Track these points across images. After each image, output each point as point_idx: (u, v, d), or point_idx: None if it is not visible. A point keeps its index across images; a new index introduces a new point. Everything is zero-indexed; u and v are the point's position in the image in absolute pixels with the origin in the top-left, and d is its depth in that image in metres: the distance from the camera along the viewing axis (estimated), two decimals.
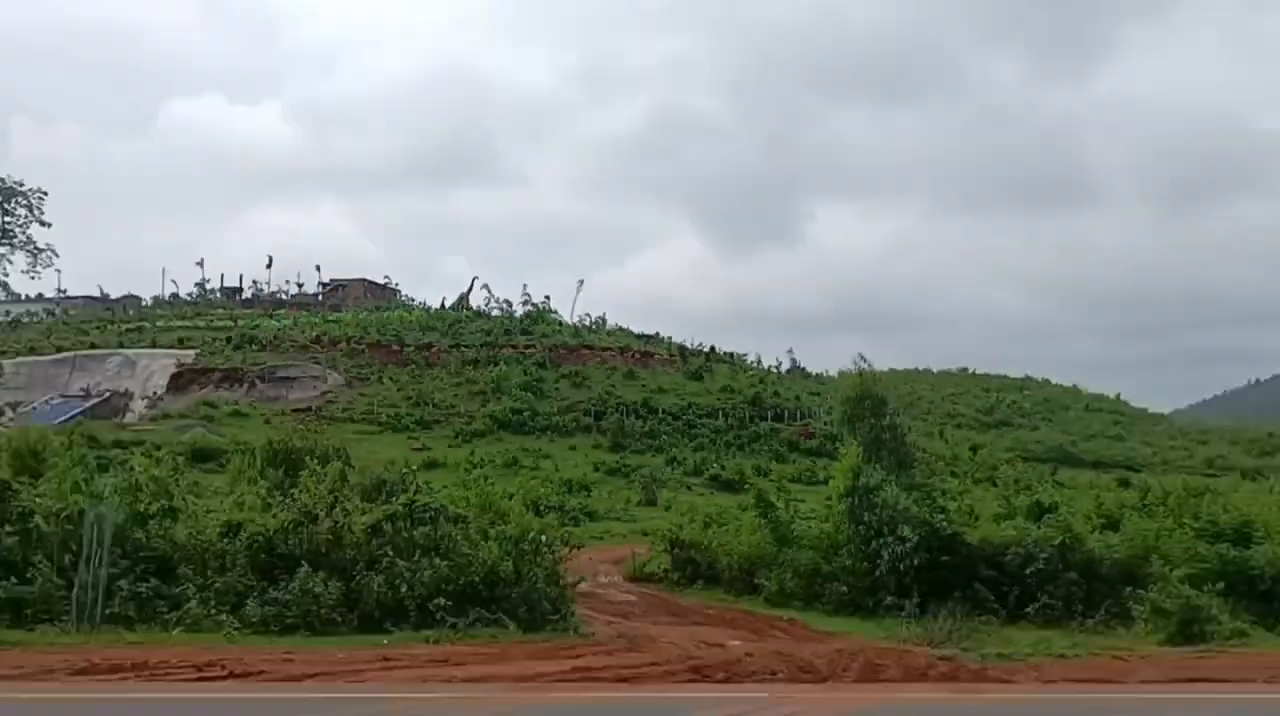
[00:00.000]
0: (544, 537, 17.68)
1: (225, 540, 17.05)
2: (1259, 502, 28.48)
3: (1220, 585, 19.15)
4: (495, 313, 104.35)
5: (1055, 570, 20.40)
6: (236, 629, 15.30)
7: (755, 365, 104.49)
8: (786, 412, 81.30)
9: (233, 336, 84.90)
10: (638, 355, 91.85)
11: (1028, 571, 20.47)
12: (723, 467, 62.71)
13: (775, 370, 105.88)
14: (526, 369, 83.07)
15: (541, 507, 32.40)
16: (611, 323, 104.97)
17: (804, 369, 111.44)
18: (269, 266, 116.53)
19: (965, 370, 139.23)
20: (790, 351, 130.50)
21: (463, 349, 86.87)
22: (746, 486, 45.50)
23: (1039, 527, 22.04)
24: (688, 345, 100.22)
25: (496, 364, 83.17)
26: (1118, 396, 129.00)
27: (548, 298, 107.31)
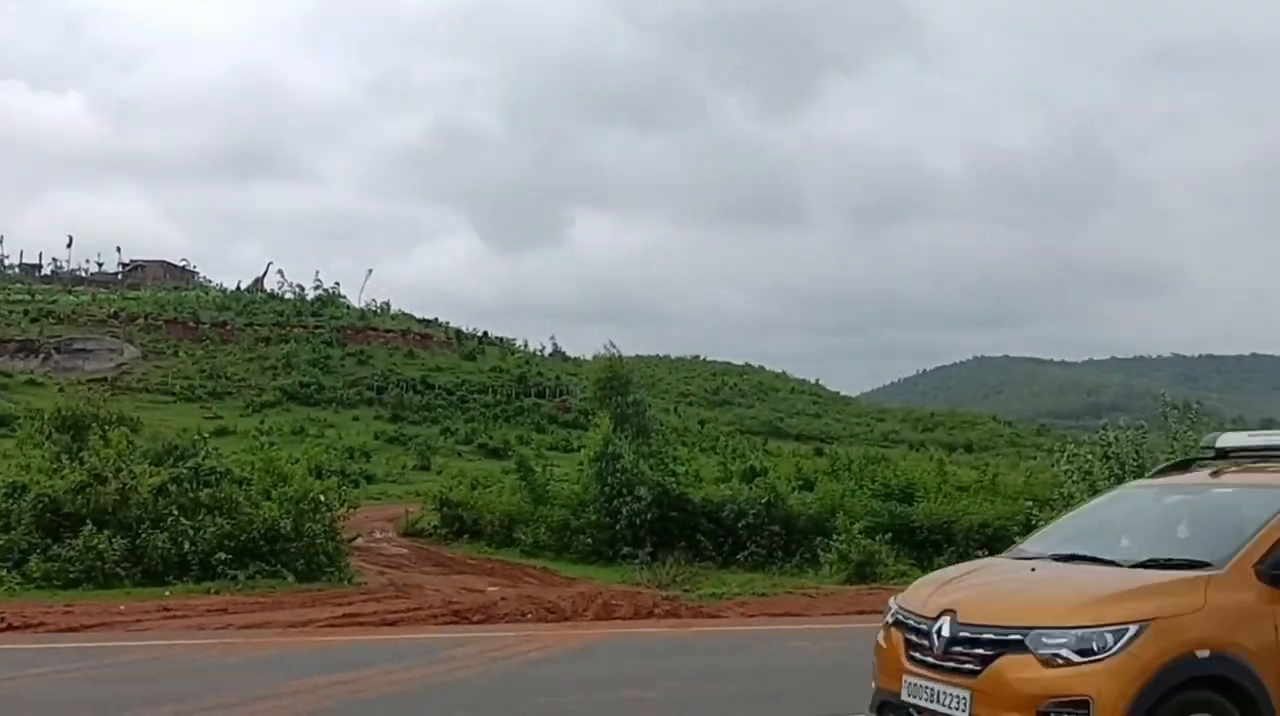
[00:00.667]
0: (322, 497, 16.95)
1: (10, 501, 15.46)
2: (920, 469, 30.63)
3: (889, 535, 20.44)
4: (288, 295, 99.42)
5: (762, 523, 21.24)
6: (19, 583, 13.91)
7: (522, 348, 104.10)
8: (548, 390, 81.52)
9: (29, 309, 77.41)
10: (418, 337, 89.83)
11: (740, 524, 21.23)
12: (490, 437, 62.20)
13: (539, 353, 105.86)
14: (315, 347, 79.79)
15: (324, 472, 31.10)
16: (395, 308, 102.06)
17: (564, 353, 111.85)
18: (69, 246, 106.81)
19: (698, 357, 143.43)
20: (553, 337, 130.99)
21: (256, 327, 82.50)
22: (510, 454, 45.31)
23: (750, 488, 22.90)
24: (464, 330, 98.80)
25: (288, 342, 79.45)
26: (817, 381, 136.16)
27: (337, 284, 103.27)
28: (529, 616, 11.37)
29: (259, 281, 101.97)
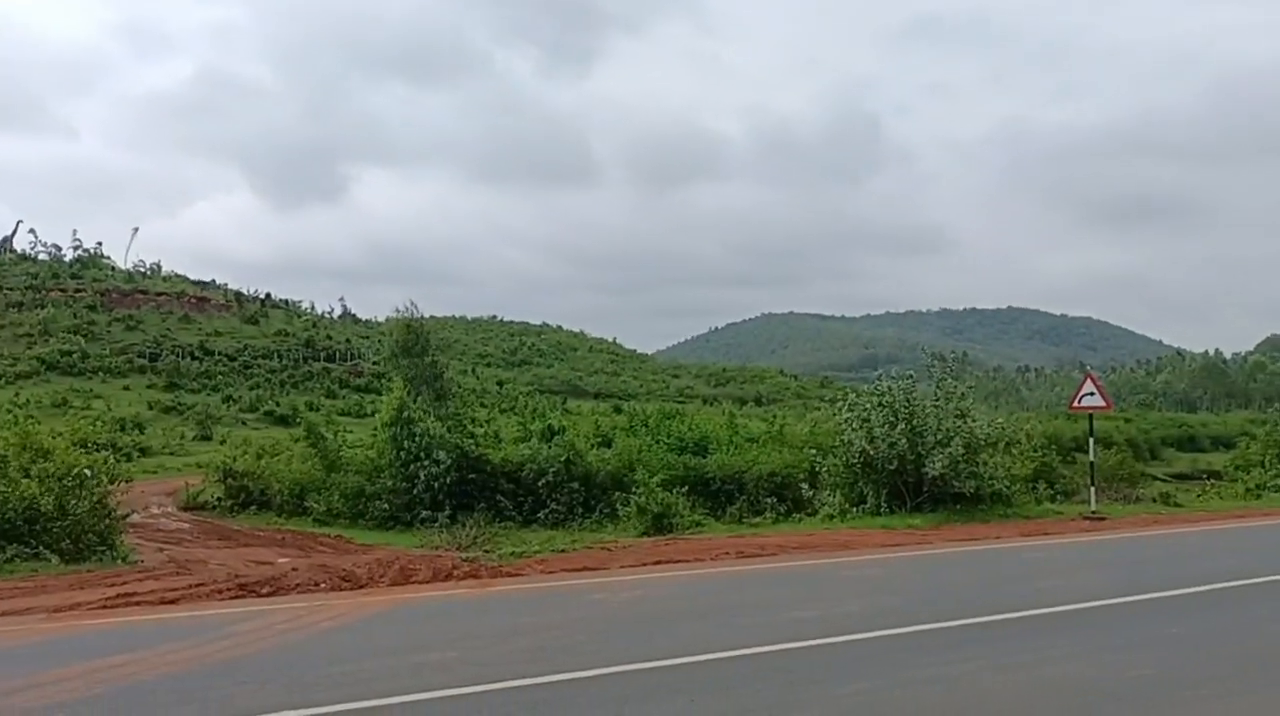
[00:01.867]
0: (89, 472, 15.77)
1: None
2: (714, 422, 31.68)
3: (685, 487, 21.09)
4: (42, 257, 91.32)
5: (561, 481, 21.44)
6: None
7: (309, 311, 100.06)
8: (338, 353, 78.79)
9: None
10: (194, 300, 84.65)
11: (540, 483, 21.35)
12: (277, 404, 59.66)
13: (328, 315, 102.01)
14: (77, 312, 73.86)
15: (91, 446, 28.94)
16: (167, 269, 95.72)
17: (355, 315, 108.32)
18: None
19: (495, 318, 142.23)
20: (342, 299, 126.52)
21: (6, 291, 75.41)
22: (299, 421, 43.60)
23: (549, 447, 23.03)
24: (244, 292, 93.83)
25: (44, 307, 73.07)
26: (614, 340, 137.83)
27: (100, 244, 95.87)
28: (322, 586, 11.04)
29: (8, 241, 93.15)
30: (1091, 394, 20.27)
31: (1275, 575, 11.30)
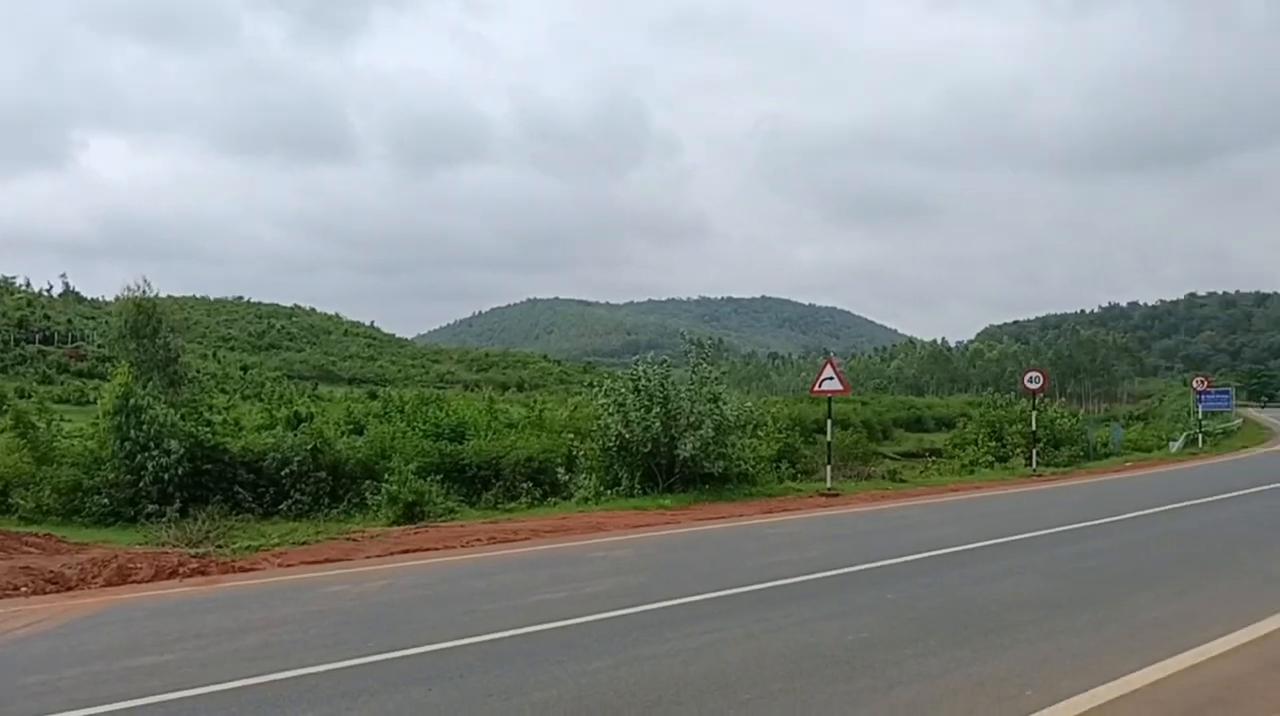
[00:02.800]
0: None
1: None
2: (473, 408, 31.36)
3: (440, 475, 20.74)
4: None
5: (308, 470, 20.52)
6: None
7: (24, 288, 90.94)
8: (57, 335, 72.05)
9: None
10: None
11: (283, 473, 20.34)
12: None
13: (46, 293, 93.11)
14: None
15: None
16: None
17: (78, 293, 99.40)
18: None
19: (241, 298, 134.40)
20: (63, 276, 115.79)
21: None
22: (6, 408, 39.51)
23: (295, 435, 22.00)
24: None
25: None
26: (371, 323, 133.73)
27: None
28: (23, 589, 10.05)
29: None
30: (831, 378, 21.60)
31: (978, 542, 12.46)
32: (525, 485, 21.24)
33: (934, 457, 34.38)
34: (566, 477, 20.84)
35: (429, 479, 19.86)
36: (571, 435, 22.20)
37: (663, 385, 20.45)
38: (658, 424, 19.77)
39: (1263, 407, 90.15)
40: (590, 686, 6.25)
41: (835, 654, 6.98)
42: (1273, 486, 20.19)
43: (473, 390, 72.02)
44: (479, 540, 13.49)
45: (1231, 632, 7.39)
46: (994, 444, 31.44)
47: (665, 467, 20.00)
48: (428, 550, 12.71)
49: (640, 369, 20.93)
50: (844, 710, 5.72)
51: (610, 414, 20.24)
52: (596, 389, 21.70)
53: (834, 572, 10.25)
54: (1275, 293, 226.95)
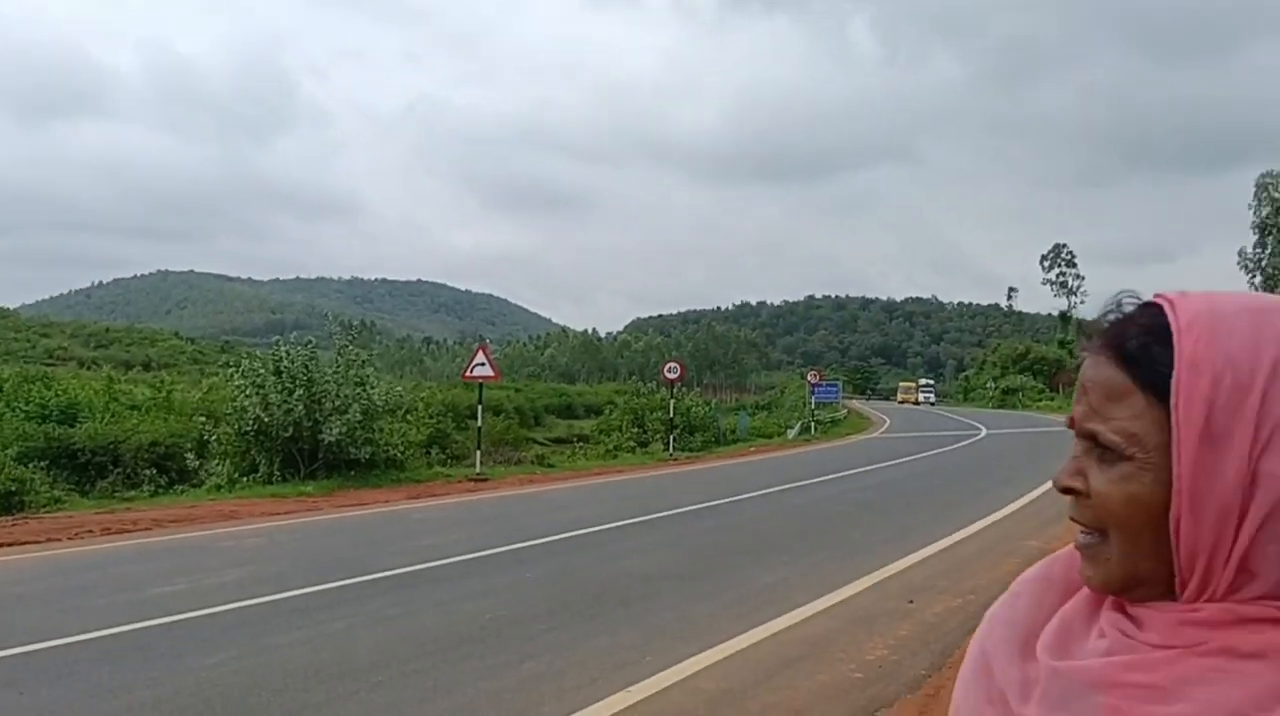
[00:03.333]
0: None
1: None
2: (87, 388, 28.36)
3: (46, 461, 18.63)
4: None
5: None
6: None
7: None
8: None
9: None
10: None
11: None
12: None
13: None
14: None
15: None
16: None
17: None
18: None
19: None
20: None
21: None
22: None
23: None
24: None
25: None
26: None
27: None
28: None
29: None
30: (483, 364, 21.80)
31: (616, 522, 13.17)
32: (149, 472, 19.57)
33: (582, 443, 35.67)
34: (197, 464, 19.48)
35: (31, 465, 17.78)
36: (204, 418, 20.75)
37: (307, 367, 19.68)
38: (300, 407, 18.99)
39: (866, 400, 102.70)
40: (211, 679, 5.94)
41: (471, 632, 7.12)
42: (867, 468, 22.96)
43: (89, 368, 65.08)
44: (90, 531, 12.31)
45: (825, 595, 8.37)
46: (636, 430, 33.20)
47: (308, 453, 19.26)
48: (27, 543, 11.43)
49: (283, 349, 19.99)
50: (475, 684, 5.86)
51: (248, 396, 19.16)
52: (234, 369, 20.43)
53: (477, 555, 10.41)
54: (877, 298, 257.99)
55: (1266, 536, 0.72)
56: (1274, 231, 40.09)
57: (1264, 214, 41.95)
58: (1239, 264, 49.84)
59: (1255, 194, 42.20)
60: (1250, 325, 0.74)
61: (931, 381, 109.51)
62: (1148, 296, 0.81)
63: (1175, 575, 0.76)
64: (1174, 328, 0.76)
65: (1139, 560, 0.76)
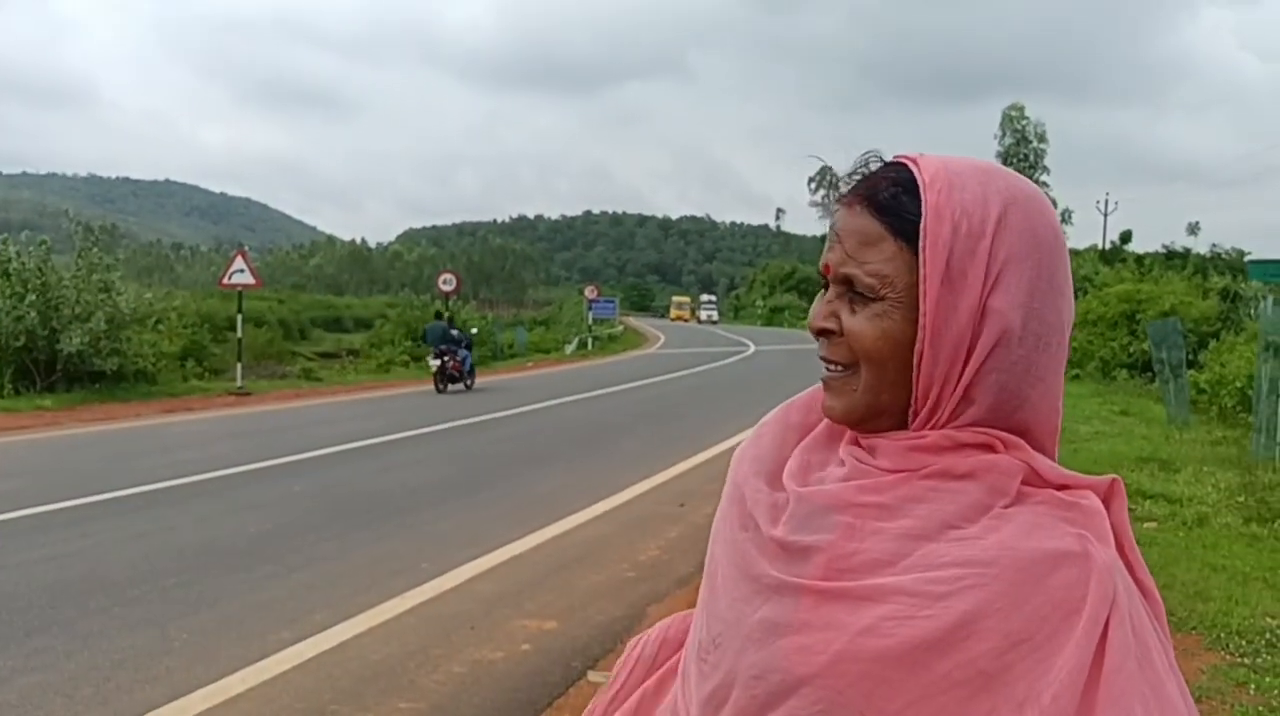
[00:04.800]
0: None
1: None
2: None
3: None
4: None
5: None
6: None
7: None
8: None
9: None
10: None
11: None
12: None
13: None
14: None
15: None
16: None
17: None
18: None
19: None
20: None
21: None
22: None
23: None
24: None
25: None
26: None
27: None
28: None
29: None
30: (241, 271, 20.69)
31: (389, 436, 13.00)
32: None
33: (352, 357, 34.69)
34: None
35: None
36: None
37: (41, 269, 18.05)
38: (34, 314, 17.45)
39: (652, 318, 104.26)
40: None
41: (236, 545, 6.91)
42: (643, 382, 23.64)
43: None
44: None
45: (600, 501, 8.64)
46: (410, 344, 32.57)
47: (45, 365, 17.78)
48: None
49: (11, 249, 18.22)
50: (242, 596, 5.72)
51: None
52: None
53: (239, 469, 10.04)
54: (654, 215, 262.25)
55: (989, 366, 0.85)
56: (1013, 160, 43.72)
57: (1008, 143, 45.62)
58: None
59: (1000, 124, 45.78)
60: (979, 182, 0.87)
61: (714, 297, 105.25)
62: (889, 157, 0.91)
63: (910, 405, 0.88)
64: (919, 181, 0.86)
65: (881, 391, 0.87)
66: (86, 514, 7.83)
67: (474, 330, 25.63)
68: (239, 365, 20.88)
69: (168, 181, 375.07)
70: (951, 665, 0.77)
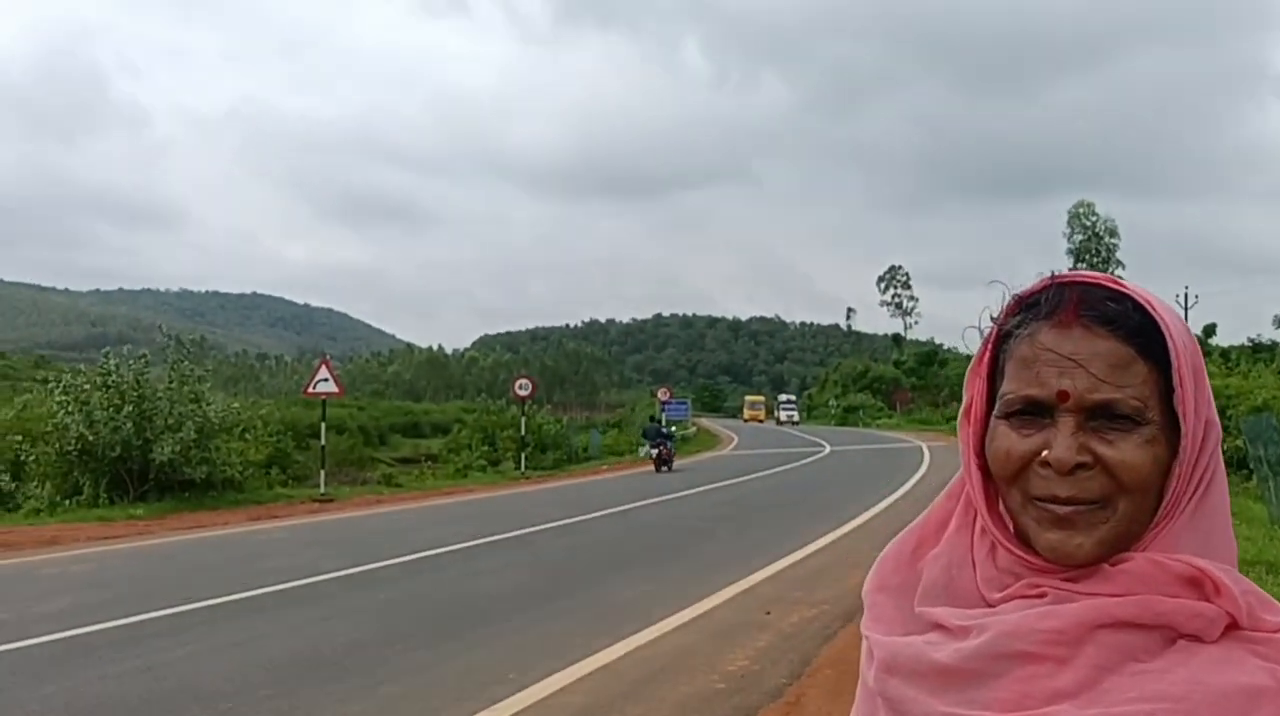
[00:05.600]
0: None
1: None
2: None
3: None
4: None
5: None
6: None
7: None
8: None
9: None
10: None
11: None
12: None
13: None
14: None
15: None
16: None
17: None
18: None
19: None
20: None
21: None
22: None
23: None
24: None
25: None
26: None
27: None
28: None
29: None
30: (326, 380, 21.22)
31: (470, 542, 13.03)
32: None
33: (431, 462, 35.04)
34: (12, 487, 18.23)
35: None
36: (20, 438, 19.42)
37: (137, 382, 18.71)
38: (130, 424, 18.04)
39: (719, 418, 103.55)
40: (41, 712, 5.58)
41: (326, 656, 6.93)
42: (720, 484, 23.44)
43: None
44: None
45: (684, 609, 8.50)
46: (487, 448, 32.85)
47: (138, 474, 18.29)
48: None
49: (111, 362, 18.95)
50: (334, 708, 5.71)
51: (70, 413, 18.05)
52: (54, 384, 19.21)
53: (326, 577, 10.12)
54: (722, 317, 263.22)
55: (1214, 476, 0.85)
56: (1086, 256, 43.23)
57: (1079, 240, 45.22)
58: None
59: (1069, 222, 45.52)
60: (1170, 308, 0.86)
61: (793, 398, 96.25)
62: (1031, 272, 0.90)
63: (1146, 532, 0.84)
64: (1142, 300, 0.84)
65: (1135, 522, 0.83)
66: (180, 624, 7.94)
67: (673, 428, 35.53)
68: (323, 472, 21.24)
69: (254, 294, 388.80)
70: None
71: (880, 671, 0.90)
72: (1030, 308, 0.87)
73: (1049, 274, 0.89)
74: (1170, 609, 0.80)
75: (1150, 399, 0.82)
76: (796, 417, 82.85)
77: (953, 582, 0.90)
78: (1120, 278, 0.90)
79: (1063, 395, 0.82)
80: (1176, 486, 0.82)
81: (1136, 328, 0.83)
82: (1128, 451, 0.81)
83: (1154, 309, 0.84)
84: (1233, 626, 0.80)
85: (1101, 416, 0.82)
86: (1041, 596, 0.84)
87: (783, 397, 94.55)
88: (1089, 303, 0.84)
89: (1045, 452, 0.82)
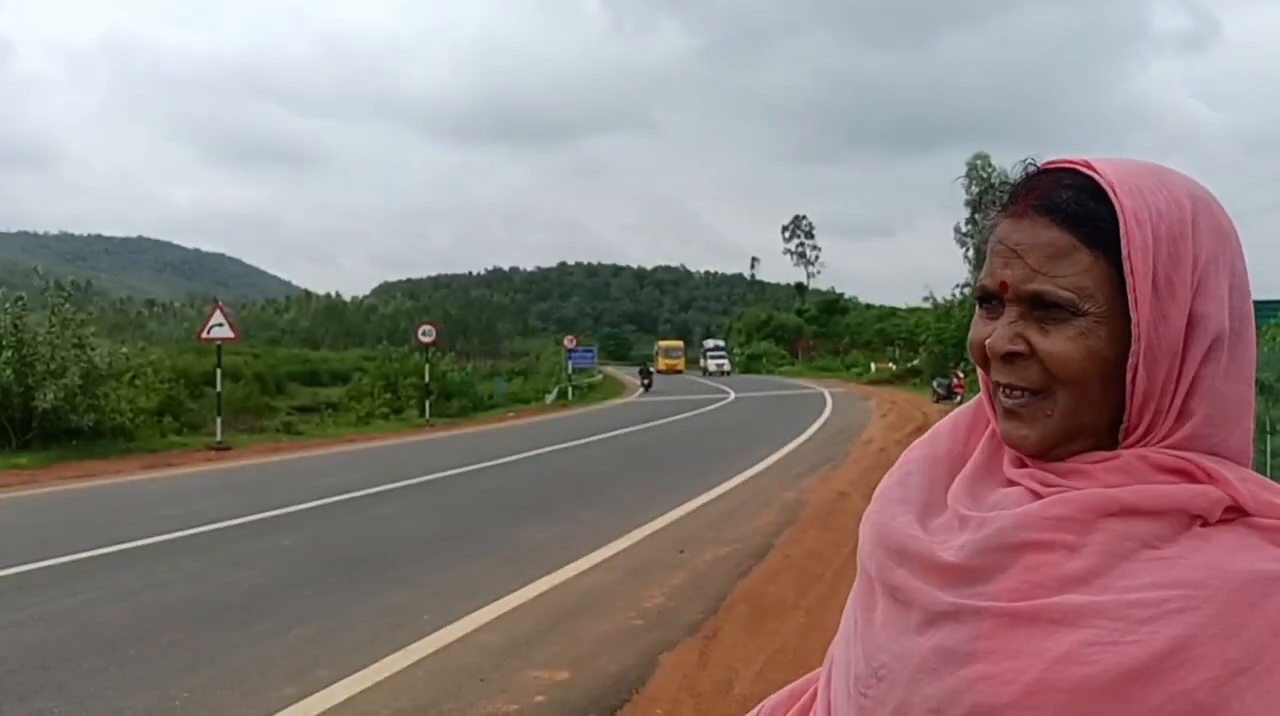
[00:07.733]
0: None
1: None
2: None
3: None
4: None
5: None
6: None
7: None
8: None
9: None
10: None
11: None
12: None
13: None
14: None
15: None
16: None
17: None
18: None
19: None
20: None
21: None
22: None
23: None
24: None
25: None
26: None
27: None
28: None
29: None
30: (220, 325, 20.53)
31: (376, 487, 12.82)
32: None
33: (331, 411, 34.36)
34: None
35: None
36: None
37: (15, 326, 17.85)
38: (9, 371, 17.23)
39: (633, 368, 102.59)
40: None
41: (231, 601, 6.74)
42: (626, 430, 23.52)
43: None
44: None
45: (599, 549, 8.51)
46: (389, 396, 32.34)
47: (20, 422, 17.51)
48: None
49: None
50: (241, 652, 5.55)
51: None
52: None
53: (226, 524, 9.85)
54: (627, 266, 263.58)
55: (1203, 374, 0.79)
56: (982, 209, 44.29)
57: (974, 192, 46.16)
58: (955, 239, 54.91)
59: (966, 174, 46.37)
60: (1161, 183, 0.81)
61: (723, 343, 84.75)
62: (1015, 170, 0.87)
63: (1109, 425, 0.82)
64: (1106, 186, 0.80)
65: (1081, 414, 0.81)
66: (72, 572, 7.63)
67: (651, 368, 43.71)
68: (219, 420, 20.63)
69: (140, 238, 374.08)
70: (1163, 697, 0.70)
71: (886, 559, 0.87)
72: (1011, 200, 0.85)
73: (1030, 162, 0.87)
74: (1172, 491, 0.78)
75: (1092, 289, 0.79)
76: (728, 367, 73.37)
77: (988, 461, 0.89)
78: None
79: (1002, 286, 0.82)
80: (1138, 383, 0.79)
81: (1081, 216, 0.79)
82: (1058, 342, 0.80)
83: (1114, 194, 0.80)
84: (1239, 512, 0.78)
85: (1040, 307, 0.80)
86: (1011, 487, 0.85)
87: (709, 344, 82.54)
88: (1043, 191, 0.82)
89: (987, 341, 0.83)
